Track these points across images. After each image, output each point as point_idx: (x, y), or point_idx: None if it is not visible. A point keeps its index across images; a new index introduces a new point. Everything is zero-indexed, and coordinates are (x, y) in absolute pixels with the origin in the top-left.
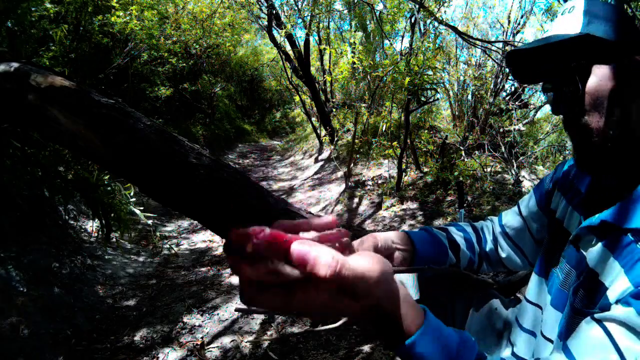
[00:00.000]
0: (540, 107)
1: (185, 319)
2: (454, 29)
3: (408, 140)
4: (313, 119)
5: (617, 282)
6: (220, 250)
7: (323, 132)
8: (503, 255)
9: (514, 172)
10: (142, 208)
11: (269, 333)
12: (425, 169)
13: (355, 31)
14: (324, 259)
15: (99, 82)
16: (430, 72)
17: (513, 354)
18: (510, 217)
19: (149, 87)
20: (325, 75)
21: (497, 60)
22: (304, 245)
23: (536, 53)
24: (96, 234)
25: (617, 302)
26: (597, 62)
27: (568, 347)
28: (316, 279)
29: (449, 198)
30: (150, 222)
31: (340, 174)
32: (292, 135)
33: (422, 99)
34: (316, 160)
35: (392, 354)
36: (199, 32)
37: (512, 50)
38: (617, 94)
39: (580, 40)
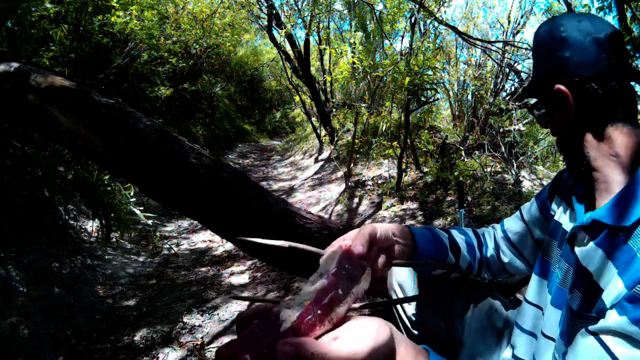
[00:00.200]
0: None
1: (185, 319)
2: (454, 29)
3: (408, 140)
4: (313, 119)
5: (611, 285)
6: (220, 250)
7: (323, 132)
8: (505, 260)
9: (514, 172)
10: (142, 208)
11: None
12: (425, 169)
13: (355, 31)
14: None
15: (99, 82)
16: (430, 72)
17: (514, 356)
18: (512, 222)
19: (149, 87)
20: (325, 75)
21: (497, 60)
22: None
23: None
24: (96, 234)
25: (612, 306)
26: (539, 101)
27: None
28: None
29: (449, 198)
30: (150, 222)
31: (340, 174)
32: (292, 135)
33: (422, 99)
34: (316, 160)
35: None
36: (199, 32)
37: None
38: (552, 117)
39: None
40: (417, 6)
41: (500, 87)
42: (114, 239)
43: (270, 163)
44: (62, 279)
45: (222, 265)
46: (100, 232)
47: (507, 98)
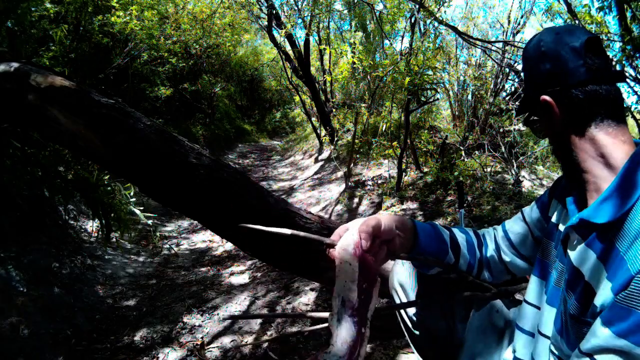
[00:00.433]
0: None
1: (185, 319)
2: (454, 29)
3: (408, 140)
4: (313, 119)
5: (601, 288)
6: (220, 250)
7: (323, 132)
8: (507, 259)
9: (514, 172)
10: (142, 208)
11: (269, 333)
12: (425, 169)
13: (355, 31)
14: None
15: (99, 82)
16: (430, 72)
17: (515, 358)
18: (514, 223)
19: (149, 87)
20: (325, 75)
21: (497, 60)
22: None
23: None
24: (96, 234)
25: (601, 310)
26: (531, 114)
27: None
28: None
29: (449, 198)
30: (150, 222)
31: (340, 174)
32: (292, 135)
33: (422, 99)
34: (316, 160)
35: (392, 353)
36: (199, 32)
37: None
38: (544, 128)
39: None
40: (417, 6)
41: (500, 87)
42: (114, 239)
43: (270, 163)
44: (62, 279)
45: (222, 265)
46: (100, 232)
47: (507, 98)
